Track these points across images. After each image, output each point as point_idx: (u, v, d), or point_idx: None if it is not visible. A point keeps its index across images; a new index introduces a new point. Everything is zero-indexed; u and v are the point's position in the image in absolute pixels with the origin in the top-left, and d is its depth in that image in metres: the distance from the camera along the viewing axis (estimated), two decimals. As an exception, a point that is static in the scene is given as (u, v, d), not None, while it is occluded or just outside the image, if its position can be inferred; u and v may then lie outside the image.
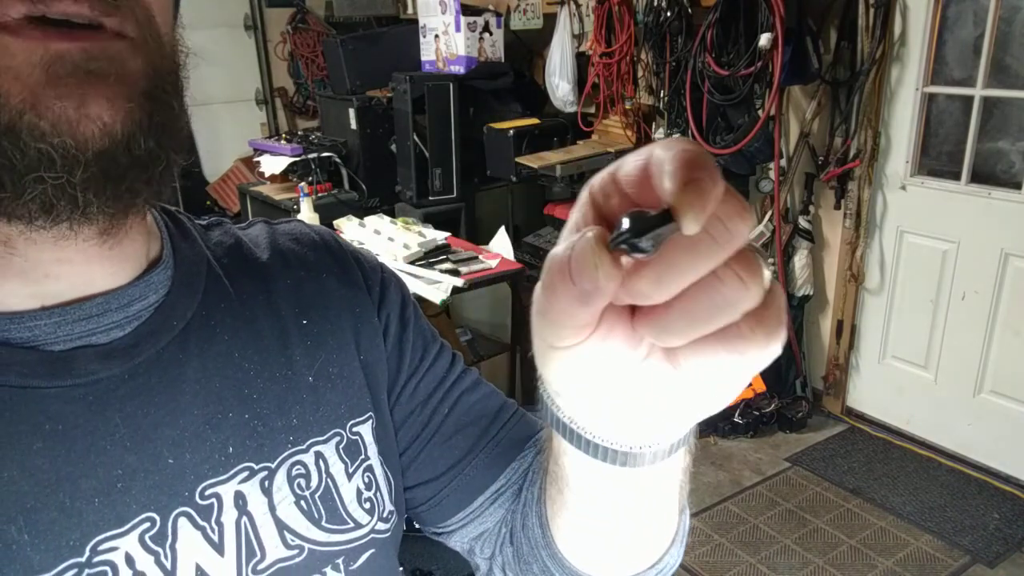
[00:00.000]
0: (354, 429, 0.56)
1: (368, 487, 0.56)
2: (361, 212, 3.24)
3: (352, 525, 0.54)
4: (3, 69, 0.35)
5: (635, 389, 0.32)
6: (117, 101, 0.37)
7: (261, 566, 0.49)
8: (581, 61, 3.52)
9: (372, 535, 0.56)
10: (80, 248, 0.42)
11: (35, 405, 0.42)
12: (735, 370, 0.29)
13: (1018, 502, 2.61)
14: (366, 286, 0.60)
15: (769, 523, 2.57)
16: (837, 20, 2.76)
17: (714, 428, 3.06)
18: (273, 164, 3.78)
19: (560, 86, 3.55)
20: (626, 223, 0.26)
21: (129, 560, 0.44)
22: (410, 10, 4.30)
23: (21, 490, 0.41)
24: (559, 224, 3.84)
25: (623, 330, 0.30)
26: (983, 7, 2.53)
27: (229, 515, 0.48)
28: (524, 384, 2.98)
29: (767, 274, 0.27)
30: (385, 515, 0.57)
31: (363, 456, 0.56)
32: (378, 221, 2.85)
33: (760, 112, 2.76)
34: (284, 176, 3.83)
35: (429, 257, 2.64)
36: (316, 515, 0.52)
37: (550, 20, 3.59)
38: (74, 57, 0.36)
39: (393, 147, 3.82)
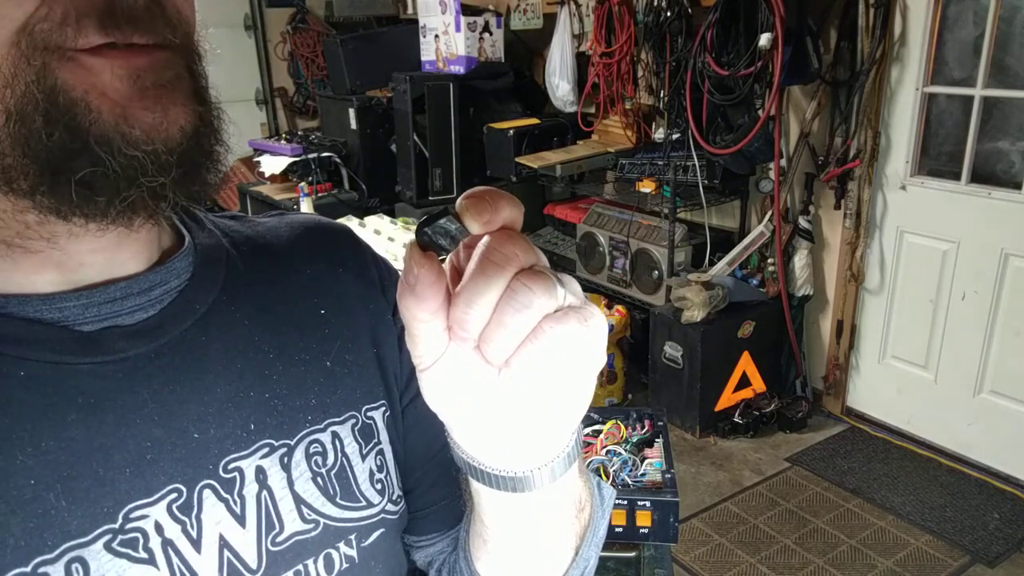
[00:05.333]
0: (368, 413, 0.58)
1: (380, 469, 0.58)
2: (361, 212, 3.25)
3: (364, 504, 0.56)
4: (91, 87, 0.38)
5: (496, 407, 0.38)
6: (188, 105, 0.42)
7: (280, 539, 0.51)
8: (581, 61, 3.52)
9: (383, 515, 0.57)
10: (113, 236, 0.45)
11: (68, 380, 0.45)
12: (553, 366, 0.35)
13: (1018, 502, 2.61)
14: (382, 286, 0.62)
15: (769, 523, 2.57)
16: (837, 20, 2.76)
17: (714, 428, 3.06)
18: (273, 164, 3.78)
19: (560, 86, 3.55)
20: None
21: (158, 528, 0.46)
22: (410, 10, 4.30)
23: (58, 460, 0.44)
24: (559, 224, 3.85)
25: (472, 355, 0.36)
26: (983, 7, 2.53)
27: (250, 488, 0.50)
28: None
29: (557, 286, 0.34)
30: (395, 498, 0.59)
31: (376, 440, 0.58)
32: (378, 221, 2.85)
33: (760, 112, 2.76)
34: (284, 176, 3.83)
35: (429, 257, 2.63)
36: (331, 491, 0.54)
37: (550, 20, 3.59)
38: (154, 70, 0.40)
39: (393, 147, 3.82)
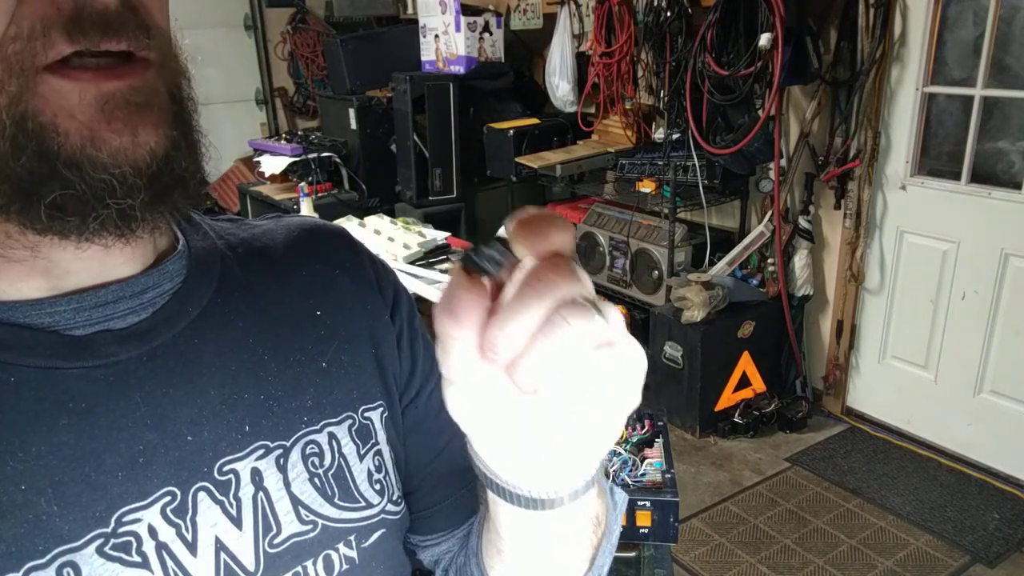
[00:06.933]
0: (365, 414, 0.58)
1: (378, 470, 0.58)
2: (361, 212, 3.25)
3: (364, 504, 0.56)
4: (60, 109, 0.38)
5: (521, 430, 0.36)
6: (160, 128, 0.41)
7: (277, 540, 0.51)
8: (581, 61, 3.52)
9: (383, 515, 0.57)
10: (100, 246, 0.44)
11: (59, 384, 0.45)
12: (583, 401, 0.34)
13: (1018, 502, 2.61)
14: (379, 287, 0.62)
15: (769, 523, 2.57)
16: (837, 20, 2.76)
17: (714, 428, 3.06)
18: (273, 164, 3.78)
19: (560, 86, 3.55)
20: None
21: (152, 531, 0.46)
22: (410, 10, 4.30)
23: (49, 464, 0.43)
24: (559, 224, 3.84)
25: (501, 375, 0.34)
26: (983, 7, 2.53)
27: (246, 490, 0.50)
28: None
29: (596, 320, 0.33)
30: (395, 498, 0.59)
31: (374, 440, 0.58)
32: (378, 221, 2.85)
33: (760, 112, 2.76)
34: (284, 176, 3.83)
35: (429, 257, 2.64)
36: (329, 492, 0.54)
37: (550, 20, 3.59)
38: (124, 93, 0.40)
39: (393, 147, 3.82)
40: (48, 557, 0.42)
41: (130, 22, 0.40)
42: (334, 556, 0.54)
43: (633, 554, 1.43)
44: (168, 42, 0.43)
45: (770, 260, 3.07)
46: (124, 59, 0.40)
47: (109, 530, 0.44)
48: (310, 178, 3.72)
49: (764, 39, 2.58)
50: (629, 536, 1.42)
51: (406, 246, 2.61)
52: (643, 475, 1.51)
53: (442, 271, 2.52)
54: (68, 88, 0.38)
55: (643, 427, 1.66)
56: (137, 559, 0.45)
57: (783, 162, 2.96)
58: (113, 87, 0.39)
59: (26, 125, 0.38)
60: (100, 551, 0.44)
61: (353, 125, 3.85)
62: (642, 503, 1.40)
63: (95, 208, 0.40)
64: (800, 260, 3.04)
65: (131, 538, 0.45)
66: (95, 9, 0.38)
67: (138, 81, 0.40)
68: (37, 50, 0.37)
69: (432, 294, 2.39)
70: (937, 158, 2.80)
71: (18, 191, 0.39)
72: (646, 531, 1.41)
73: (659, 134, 3.25)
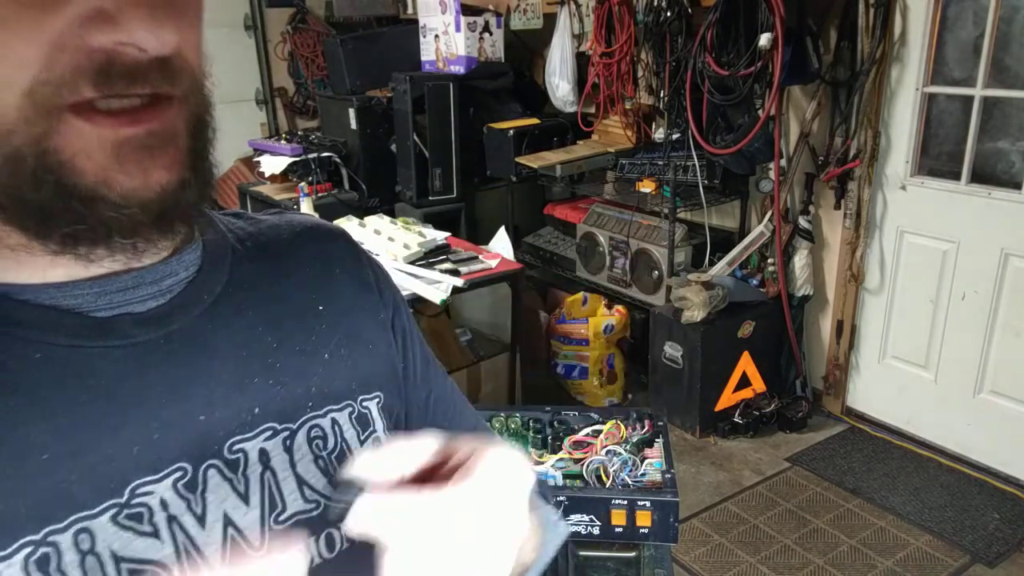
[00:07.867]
0: (364, 403, 0.61)
1: None
2: (361, 212, 3.25)
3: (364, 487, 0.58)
4: (78, 150, 0.41)
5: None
6: (173, 169, 0.44)
7: (282, 517, 0.54)
8: (581, 61, 3.52)
9: None
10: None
11: (82, 362, 0.48)
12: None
13: (1018, 502, 2.61)
14: (377, 288, 0.65)
15: (769, 523, 2.57)
16: (837, 20, 2.76)
17: (714, 428, 3.06)
18: (273, 164, 3.78)
19: (560, 86, 3.54)
20: None
21: (163, 504, 0.49)
22: (410, 10, 4.31)
23: (70, 436, 0.46)
24: (559, 224, 3.85)
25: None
26: (983, 7, 2.53)
27: (254, 469, 0.53)
28: (524, 384, 2.98)
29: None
30: None
31: (372, 428, 0.61)
32: (378, 221, 2.85)
33: (760, 112, 2.76)
34: (284, 176, 3.83)
35: (429, 257, 2.64)
36: (332, 473, 0.57)
37: (550, 20, 3.59)
38: (140, 138, 0.42)
39: (393, 147, 3.82)
40: (66, 523, 0.45)
41: (156, 72, 0.42)
42: (335, 534, 0.56)
43: (633, 554, 1.43)
44: (194, 78, 0.45)
45: (770, 260, 3.07)
46: (147, 99, 0.42)
47: (123, 501, 0.47)
48: (310, 178, 3.72)
49: (764, 39, 2.58)
50: (629, 536, 1.42)
51: (406, 246, 2.61)
52: (643, 475, 1.51)
53: (442, 271, 2.52)
54: (88, 131, 0.41)
55: (643, 427, 1.66)
56: (149, 529, 0.48)
57: (783, 162, 2.96)
58: (131, 133, 0.42)
59: (47, 162, 0.41)
60: (114, 520, 0.46)
61: (353, 125, 3.85)
62: (642, 503, 1.40)
63: (103, 240, 0.44)
64: (800, 260, 3.04)
65: (143, 509, 0.48)
66: (126, 63, 0.40)
67: (157, 125, 0.43)
68: (64, 95, 0.40)
69: (432, 294, 2.39)
70: (937, 158, 2.80)
71: (33, 217, 0.43)
72: (646, 531, 1.41)
73: (659, 134, 3.25)
